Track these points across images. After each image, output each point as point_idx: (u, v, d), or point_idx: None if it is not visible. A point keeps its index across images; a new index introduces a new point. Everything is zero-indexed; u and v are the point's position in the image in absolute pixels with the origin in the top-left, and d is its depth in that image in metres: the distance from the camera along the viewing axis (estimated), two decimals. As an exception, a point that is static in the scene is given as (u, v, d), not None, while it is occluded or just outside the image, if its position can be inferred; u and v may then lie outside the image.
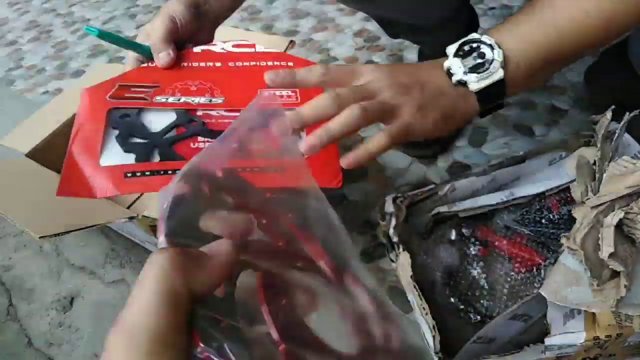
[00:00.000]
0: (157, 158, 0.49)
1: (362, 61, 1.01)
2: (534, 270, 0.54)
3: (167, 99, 0.52)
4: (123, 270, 0.70)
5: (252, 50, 0.58)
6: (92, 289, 0.69)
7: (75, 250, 0.75)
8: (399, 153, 0.80)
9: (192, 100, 0.52)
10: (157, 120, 0.51)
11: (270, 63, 0.57)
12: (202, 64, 0.55)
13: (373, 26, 1.12)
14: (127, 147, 0.48)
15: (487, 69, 0.45)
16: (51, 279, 0.72)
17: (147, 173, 0.47)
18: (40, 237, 0.49)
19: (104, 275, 0.70)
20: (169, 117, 0.52)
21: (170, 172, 0.47)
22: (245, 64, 0.56)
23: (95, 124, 0.50)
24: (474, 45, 0.46)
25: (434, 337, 0.40)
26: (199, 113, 0.52)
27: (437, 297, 0.53)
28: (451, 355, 0.43)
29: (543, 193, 0.58)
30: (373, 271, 0.64)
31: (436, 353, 0.41)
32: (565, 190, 0.57)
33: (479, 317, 0.52)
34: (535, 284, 0.53)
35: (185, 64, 0.54)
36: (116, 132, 0.50)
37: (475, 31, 0.88)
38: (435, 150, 0.78)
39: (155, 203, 0.69)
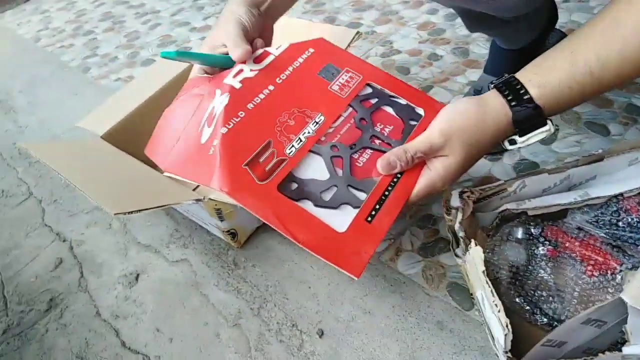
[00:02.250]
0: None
1: (425, 54, 0.99)
2: (608, 274, 0.51)
3: (293, 147, 0.48)
4: (186, 251, 0.73)
5: (275, 54, 0.55)
6: (156, 266, 0.72)
7: (141, 229, 0.78)
8: (462, 148, 0.77)
9: (309, 133, 0.50)
10: (311, 170, 0.49)
11: (305, 56, 0.55)
12: (261, 96, 0.50)
13: (438, 19, 1.10)
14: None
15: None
16: (119, 255, 0.75)
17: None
18: (115, 214, 0.52)
19: (168, 255, 0.73)
20: (319, 163, 0.49)
21: None
22: (288, 71, 0.54)
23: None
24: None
25: (506, 335, 0.39)
26: (323, 139, 0.50)
27: (502, 296, 0.51)
28: (516, 357, 0.41)
29: (621, 194, 0.55)
30: (434, 266, 0.63)
31: (505, 352, 0.40)
32: (646, 192, 0.53)
33: (545, 320, 0.50)
34: (609, 289, 0.50)
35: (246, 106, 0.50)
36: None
37: (555, 23, 0.84)
38: (501, 147, 0.75)
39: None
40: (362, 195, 0.48)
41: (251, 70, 0.52)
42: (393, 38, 1.08)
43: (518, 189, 0.55)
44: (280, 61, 0.54)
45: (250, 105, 0.49)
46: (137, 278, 0.71)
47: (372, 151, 0.51)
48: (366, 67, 0.58)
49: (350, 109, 0.53)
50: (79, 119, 0.83)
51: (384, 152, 0.50)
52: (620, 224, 0.54)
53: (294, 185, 0.47)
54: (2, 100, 1.23)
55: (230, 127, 0.47)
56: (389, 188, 0.49)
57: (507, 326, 0.39)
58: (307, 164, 0.48)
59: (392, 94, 0.56)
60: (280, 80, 0.52)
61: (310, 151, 0.49)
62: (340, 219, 0.46)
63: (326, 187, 0.47)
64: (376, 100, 0.55)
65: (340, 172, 0.49)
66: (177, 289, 0.68)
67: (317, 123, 0.51)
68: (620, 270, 0.51)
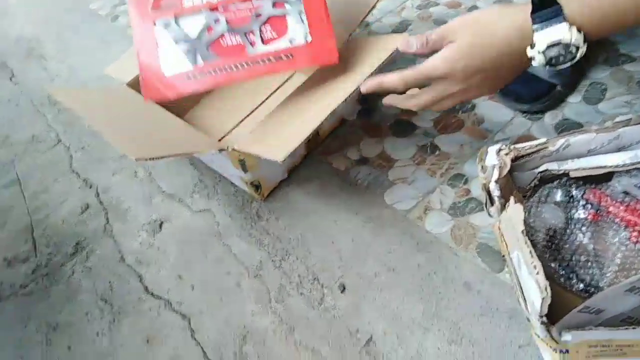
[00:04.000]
0: (200, 61, 0.63)
1: (465, 7, 0.93)
2: (655, 241, 0.47)
3: (193, 1, 0.63)
4: (209, 201, 0.72)
5: None
6: (180, 215, 0.72)
7: (166, 178, 0.78)
8: (500, 105, 0.73)
9: None
10: (191, 25, 0.63)
11: None
12: None
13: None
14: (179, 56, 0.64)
15: (564, 61, 0.48)
16: (144, 203, 0.75)
17: (198, 76, 0.63)
18: (136, 159, 0.51)
19: (192, 204, 0.73)
20: (199, 20, 0.63)
21: (214, 71, 0.63)
22: None
23: (149, 39, 0.65)
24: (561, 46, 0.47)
25: (543, 298, 0.36)
26: (220, 10, 0.63)
27: (536, 259, 0.49)
28: (552, 321, 0.39)
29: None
30: (464, 226, 0.61)
31: (541, 316, 0.38)
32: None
33: (581, 286, 0.47)
34: (656, 257, 0.47)
35: None
36: (165, 42, 0.64)
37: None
38: (544, 105, 0.71)
39: (243, 134, 0.69)
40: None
41: None
42: (432, -11, 1.01)
43: (561, 148, 0.51)
44: None
45: None
46: (160, 226, 0.71)
47: None
48: None
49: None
50: (107, 67, 0.82)
51: None
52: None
53: None
54: (33, 48, 1.23)
55: None
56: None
57: (545, 289, 0.36)
58: None
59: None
60: None
61: None
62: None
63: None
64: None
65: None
66: (199, 239, 0.68)
67: None
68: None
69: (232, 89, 0.80)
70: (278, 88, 0.77)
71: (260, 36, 0.63)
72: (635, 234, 0.48)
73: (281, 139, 0.58)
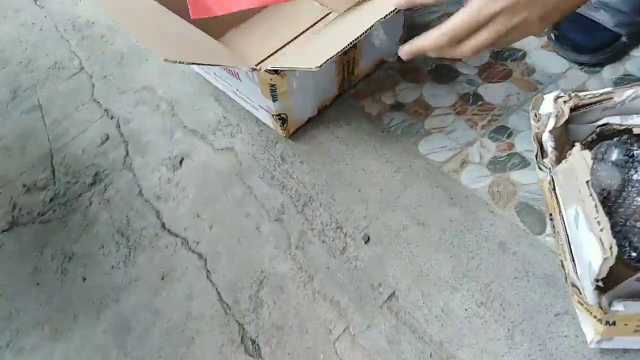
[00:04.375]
0: None
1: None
2: None
3: None
4: (232, 139, 0.68)
5: None
6: (201, 152, 0.68)
7: (190, 112, 0.74)
8: (554, 55, 0.66)
9: None
10: None
11: None
12: None
13: None
14: None
15: None
16: (165, 138, 0.72)
17: None
18: (165, 60, 0.47)
19: (214, 142, 0.69)
20: None
21: None
22: None
23: None
24: None
25: (605, 258, 0.32)
26: None
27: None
28: (605, 288, 0.35)
29: None
30: (504, 182, 0.56)
31: (597, 280, 0.34)
32: None
33: (634, 254, 0.43)
34: None
35: None
36: None
37: None
38: (605, 57, 0.64)
39: (277, 63, 0.64)
40: None
41: None
42: None
43: (628, 100, 0.45)
44: None
45: None
46: (181, 162, 0.68)
47: None
48: None
49: None
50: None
51: None
52: None
53: None
54: (59, -29, 1.18)
55: None
56: None
57: (610, 248, 0.32)
58: None
59: None
60: None
61: None
62: None
63: None
64: None
65: None
66: (220, 177, 0.65)
67: None
68: None
69: (273, 17, 0.75)
70: (321, 19, 0.71)
71: None
72: (703, 202, 0.43)
73: (317, 52, 0.54)
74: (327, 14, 0.72)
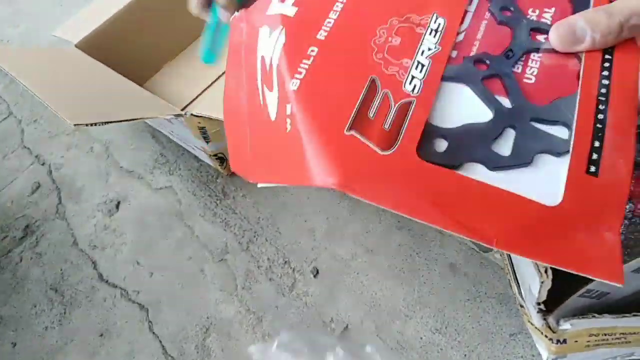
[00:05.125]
0: None
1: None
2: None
3: (414, 79, 0.27)
4: (171, 177, 0.65)
5: None
6: (139, 194, 0.65)
7: (125, 152, 0.70)
8: None
9: (430, 50, 0.28)
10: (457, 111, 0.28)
11: None
12: (333, 16, 0.30)
13: None
14: None
15: None
16: (100, 181, 0.68)
17: None
18: (74, 125, 0.44)
19: (152, 181, 0.66)
20: (466, 95, 0.28)
21: None
22: None
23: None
24: None
25: (542, 283, 0.31)
26: (455, 54, 0.29)
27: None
28: (549, 308, 0.34)
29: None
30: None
31: (538, 304, 0.32)
32: None
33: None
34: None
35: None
36: None
37: None
38: None
39: (207, 103, 0.62)
40: (563, 131, 0.25)
41: None
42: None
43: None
44: None
45: (321, 35, 0.29)
46: (117, 206, 0.65)
47: (540, 55, 0.28)
48: None
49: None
50: (56, 29, 0.73)
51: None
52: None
53: (443, 144, 0.25)
54: (-16, 12, 1.13)
55: (302, 77, 0.27)
56: (601, 103, 0.26)
57: (546, 272, 0.30)
58: (447, 102, 0.27)
59: None
60: None
61: (445, 79, 0.27)
62: (543, 182, 0.24)
63: (496, 133, 0.25)
64: None
65: (506, 101, 0.27)
66: (160, 219, 0.62)
67: (436, 32, 0.29)
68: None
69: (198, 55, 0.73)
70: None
71: None
72: (641, 207, 0.43)
73: None
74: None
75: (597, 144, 0.24)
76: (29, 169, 0.73)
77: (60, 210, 0.66)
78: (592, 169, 0.24)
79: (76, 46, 0.67)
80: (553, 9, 0.30)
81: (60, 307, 0.56)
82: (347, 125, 0.24)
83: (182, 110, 0.66)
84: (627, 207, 0.43)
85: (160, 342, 0.51)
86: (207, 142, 0.57)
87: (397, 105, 0.26)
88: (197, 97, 0.66)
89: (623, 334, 0.38)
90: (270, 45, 0.30)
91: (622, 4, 0.27)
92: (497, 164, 0.24)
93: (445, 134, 0.25)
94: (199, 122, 0.54)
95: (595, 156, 0.24)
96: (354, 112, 0.25)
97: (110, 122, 0.47)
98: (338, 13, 0.30)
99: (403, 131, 0.25)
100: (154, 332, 0.52)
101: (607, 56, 0.27)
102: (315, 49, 0.28)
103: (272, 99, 0.28)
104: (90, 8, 0.75)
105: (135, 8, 0.71)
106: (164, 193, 0.64)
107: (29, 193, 0.70)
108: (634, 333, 0.39)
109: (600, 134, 0.25)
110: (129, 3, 0.70)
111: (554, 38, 0.28)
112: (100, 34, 0.69)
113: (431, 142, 0.25)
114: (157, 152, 0.69)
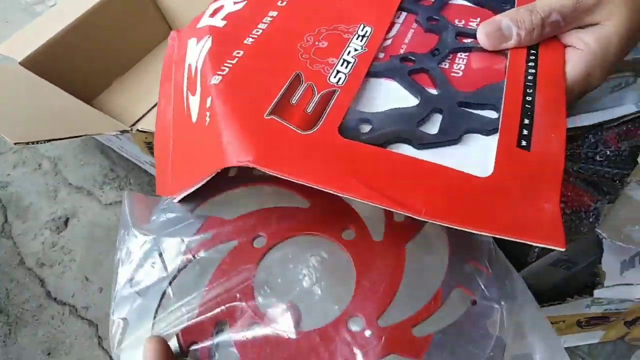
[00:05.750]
0: None
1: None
2: (582, 212, 0.46)
3: (339, 73, 0.28)
4: (121, 192, 0.65)
5: None
6: (88, 210, 0.65)
7: (74, 169, 0.70)
8: None
9: (357, 50, 0.30)
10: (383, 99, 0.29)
11: None
12: (262, 26, 0.32)
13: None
14: None
15: None
16: (47, 198, 0.67)
17: None
18: (15, 144, 0.44)
19: (101, 197, 0.66)
20: (392, 87, 0.29)
21: None
22: None
23: None
24: None
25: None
26: (382, 55, 0.31)
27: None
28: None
29: (600, 125, 0.49)
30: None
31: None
32: (628, 122, 0.48)
33: (510, 263, 0.45)
34: (582, 228, 0.45)
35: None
36: None
37: None
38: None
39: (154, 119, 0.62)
40: (491, 114, 0.27)
41: (235, 2, 0.34)
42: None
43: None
44: None
45: (248, 41, 0.30)
46: (66, 223, 0.64)
47: (467, 53, 0.30)
48: None
49: (404, 13, 0.34)
50: (-2, 45, 0.72)
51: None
52: (597, 157, 0.48)
53: (366, 126, 0.26)
54: None
55: (225, 73, 0.28)
56: (528, 88, 0.27)
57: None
58: (373, 92, 0.28)
59: None
60: (284, 3, 0.33)
61: (370, 74, 0.29)
62: (473, 156, 0.25)
63: (422, 115, 0.27)
64: None
65: (433, 90, 0.28)
66: (109, 235, 0.61)
67: (363, 37, 0.31)
68: (595, 208, 0.46)
69: (148, 70, 0.73)
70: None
71: None
72: (561, 205, 0.46)
73: None
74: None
75: (526, 121, 0.26)
76: (-27, 188, 0.72)
77: (6, 229, 0.65)
78: (524, 143, 0.25)
79: (20, 64, 0.67)
80: (478, 19, 0.32)
81: (5, 327, 0.55)
82: (268, 111, 0.25)
83: (133, 125, 0.66)
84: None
85: (110, 357, 0.51)
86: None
87: (320, 93, 0.27)
88: (147, 113, 0.67)
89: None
90: (196, 52, 0.31)
91: (542, 2, 0.29)
92: (423, 141, 0.25)
93: (369, 117, 0.26)
94: (146, 138, 0.54)
95: (525, 132, 0.25)
96: (275, 100, 0.26)
97: (54, 139, 0.47)
98: (267, 24, 0.31)
99: (325, 114, 0.25)
100: (103, 348, 0.52)
101: (532, 51, 0.29)
102: (241, 52, 0.29)
103: (194, 102, 0.29)
104: (35, 24, 0.75)
105: (83, 23, 0.70)
106: (114, 208, 0.64)
107: (-27, 213, 0.68)
108: (554, 323, 0.42)
109: (529, 113, 0.26)
110: (76, 18, 0.70)
111: (482, 36, 0.30)
112: (46, 50, 0.68)
113: (356, 126, 0.26)
114: (107, 168, 0.69)
